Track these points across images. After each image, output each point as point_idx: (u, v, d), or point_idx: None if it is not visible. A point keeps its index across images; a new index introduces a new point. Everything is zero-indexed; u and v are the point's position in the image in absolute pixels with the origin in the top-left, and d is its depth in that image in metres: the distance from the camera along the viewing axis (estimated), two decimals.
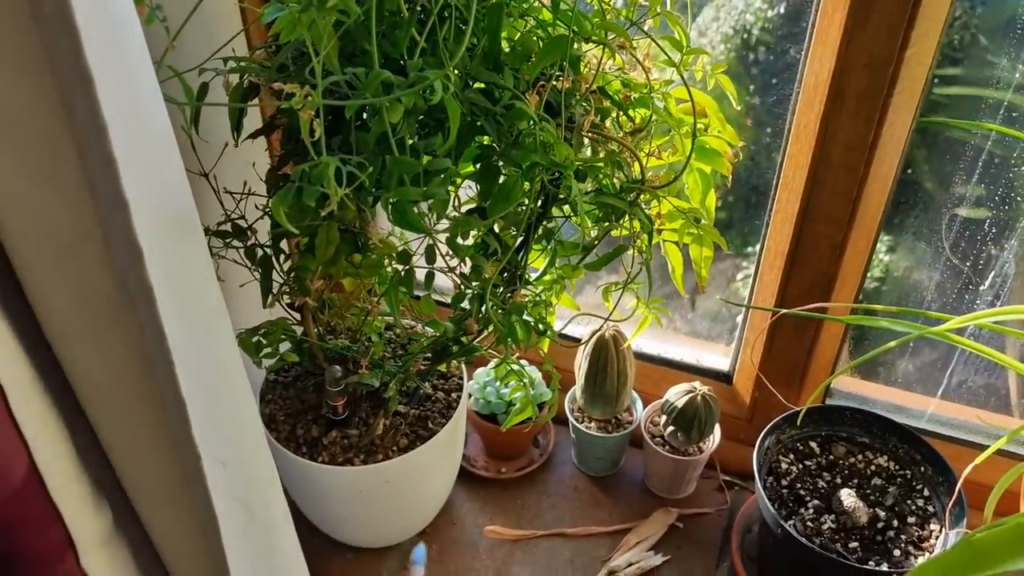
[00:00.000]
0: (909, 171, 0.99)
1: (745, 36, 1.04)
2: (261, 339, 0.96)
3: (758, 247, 1.07)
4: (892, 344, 0.76)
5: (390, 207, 0.70)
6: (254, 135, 0.87)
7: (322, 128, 0.61)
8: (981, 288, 1.03)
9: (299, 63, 0.78)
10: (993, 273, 1.01)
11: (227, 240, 0.90)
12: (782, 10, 0.99)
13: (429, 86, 0.63)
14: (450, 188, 0.80)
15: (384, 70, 0.64)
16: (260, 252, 0.90)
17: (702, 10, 1.08)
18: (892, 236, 1.08)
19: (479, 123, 0.76)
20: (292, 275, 0.91)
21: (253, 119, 0.93)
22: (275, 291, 0.93)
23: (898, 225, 1.06)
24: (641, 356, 1.25)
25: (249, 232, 0.90)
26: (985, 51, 0.92)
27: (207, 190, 0.91)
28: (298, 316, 0.98)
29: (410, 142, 0.72)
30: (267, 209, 0.91)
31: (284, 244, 0.92)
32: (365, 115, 0.76)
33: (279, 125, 0.87)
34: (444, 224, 0.79)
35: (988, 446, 1.07)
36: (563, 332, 1.26)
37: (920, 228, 1.04)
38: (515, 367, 0.95)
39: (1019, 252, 0.98)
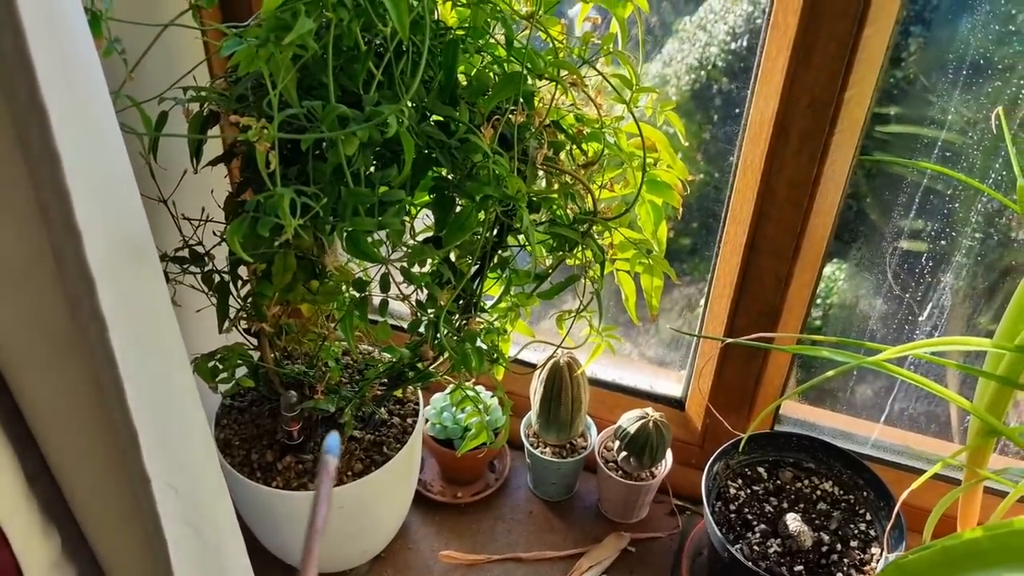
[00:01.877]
0: (854, 205, 1.03)
1: (709, 68, 1.07)
2: (218, 364, 0.97)
3: (709, 277, 1.09)
4: (830, 373, 0.79)
5: (345, 237, 0.71)
6: (213, 162, 0.88)
7: (277, 160, 0.63)
8: (920, 319, 1.06)
9: (258, 93, 0.79)
10: (931, 304, 1.05)
11: (184, 266, 0.91)
12: (744, 43, 1.03)
13: (384, 121, 0.65)
14: (405, 218, 0.82)
15: (340, 104, 0.66)
16: (217, 278, 0.91)
17: (667, 41, 1.10)
18: (840, 266, 1.12)
19: (434, 155, 0.78)
20: (249, 301, 0.92)
21: (214, 146, 0.94)
22: (232, 316, 0.93)
23: (845, 256, 1.10)
24: (596, 382, 1.27)
25: (206, 258, 0.91)
26: (924, 91, 0.96)
27: (166, 216, 0.92)
28: (255, 341, 0.98)
29: (367, 173, 0.74)
30: (224, 235, 0.92)
31: (242, 270, 0.93)
32: (324, 146, 0.78)
33: (239, 152, 0.88)
34: (402, 252, 0.81)
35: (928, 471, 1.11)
36: (518, 358, 1.28)
37: (864, 259, 1.08)
38: (470, 393, 0.97)
39: (955, 285, 1.02)
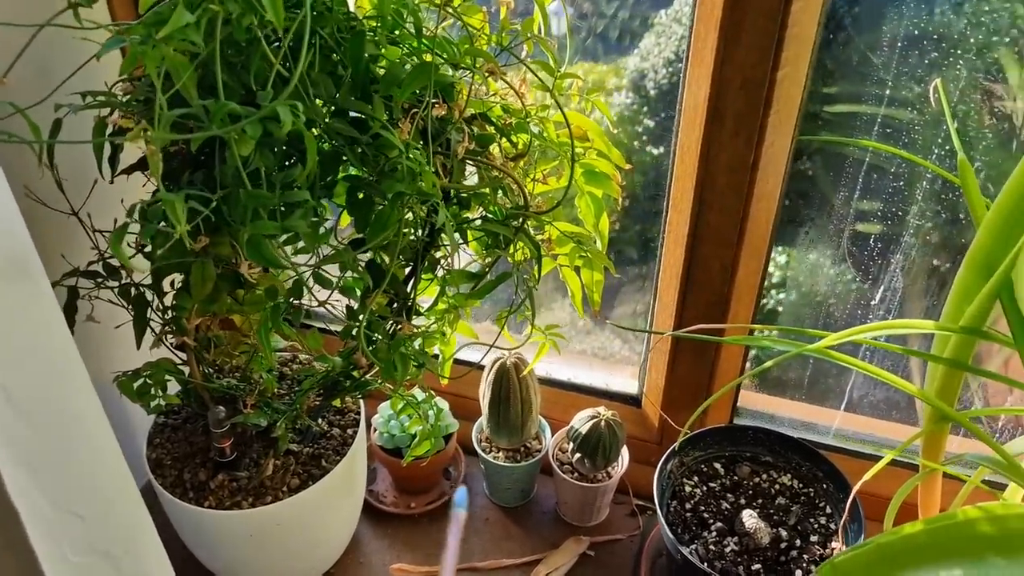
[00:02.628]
0: (799, 188, 1.00)
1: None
2: (146, 380, 0.93)
3: (655, 268, 1.06)
4: (768, 364, 0.76)
5: (245, 241, 0.68)
6: (128, 170, 0.84)
7: (160, 163, 0.59)
8: (873, 303, 1.04)
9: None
10: (883, 288, 1.02)
11: (99, 281, 0.87)
12: None
13: (275, 116, 0.62)
14: (315, 219, 0.78)
15: (229, 102, 0.62)
16: (134, 291, 0.87)
17: (644, 36, 1.08)
18: (791, 251, 1.09)
19: (345, 153, 0.75)
20: (171, 314, 0.88)
21: (132, 152, 0.90)
22: (157, 331, 0.89)
23: (794, 240, 1.07)
24: (550, 382, 1.24)
25: (123, 271, 0.87)
26: (861, 66, 0.93)
27: (79, 230, 0.88)
28: (184, 355, 0.94)
29: (270, 173, 0.70)
30: (143, 246, 0.88)
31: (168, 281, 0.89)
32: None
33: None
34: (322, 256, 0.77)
35: (893, 459, 1.08)
36: (468, 360, 1.24)
37: (814, 243, 1.05)
38: (412, 399, 0.93)
39: (906, 266, 0.99)
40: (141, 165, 0.86)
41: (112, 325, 0.90)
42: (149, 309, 0.88)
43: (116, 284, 0.87)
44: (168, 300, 0.89)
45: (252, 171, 0.67)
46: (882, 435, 1.14)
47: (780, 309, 1.15)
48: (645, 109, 1.11)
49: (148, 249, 0.82)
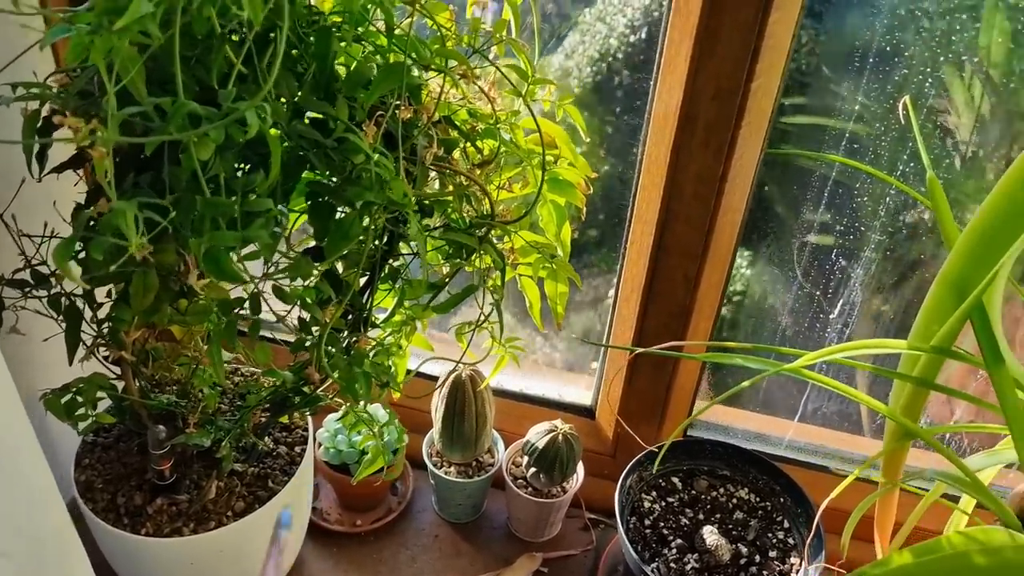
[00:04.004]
0: (763, 199, 0.99)
1: (610, 60, 1.02)
2: (77, 397, 0.85)
3: (615, 281, 1.04)
4: (746, 384, 0.74)
5: (203, 254, 0.62)
6: (58, 169, 0.77)
7: (112, 168, 0.53)
8: (831, 316, 1.04)
9: (104, 89, 0.69)
10: (842, 301, 1.02)
11: (26, 290, 0.79)
12: (643, 35, 0.98)
13: (241, 118, 0.56)
14: (277, 229, 0.73)
15: (190, 101, 0.56)
16: (66, 302, 0.79)
17: (568, 32, 1.05)
18: (752, 263, 1.09)
19: (308, 157, 0.69)
20: (107, 326, 0.81)
21: (64, 148, 0.83)
22: (90, 343, 0.82)
23: (755, 252, 1.06)
24: (503, 393, 1.21)
25: (53, 279, 0.80)
26: (829, 81, 0.93)
27: (2, 233, 0.80)
28: (118, 370, 0.87)
29: (230, 179, 0.64)
30: (77, 252, 0.81)
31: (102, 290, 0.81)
32: (180, 149, 0.68)
33: (89, 157, 0.77)
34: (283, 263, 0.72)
35: (844, 470, 1.08)
36: (419, 371, 1.20)
37: (775, 255, 1.05)
38: (367, 416, 0.88)
39: (864, 281, 0.99)
40: (75, 163, 0.79)
41: (38, 338, 0.83)
42: (82, 321, 0.80)
43: (45, 294, 0.79)
44: (103, 311, 0.82)
45: (210, 177, 0.62)
46: (833, 446, 1.15)
47: (730, 316, 1.14)
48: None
49: (83, 255, 0.75)
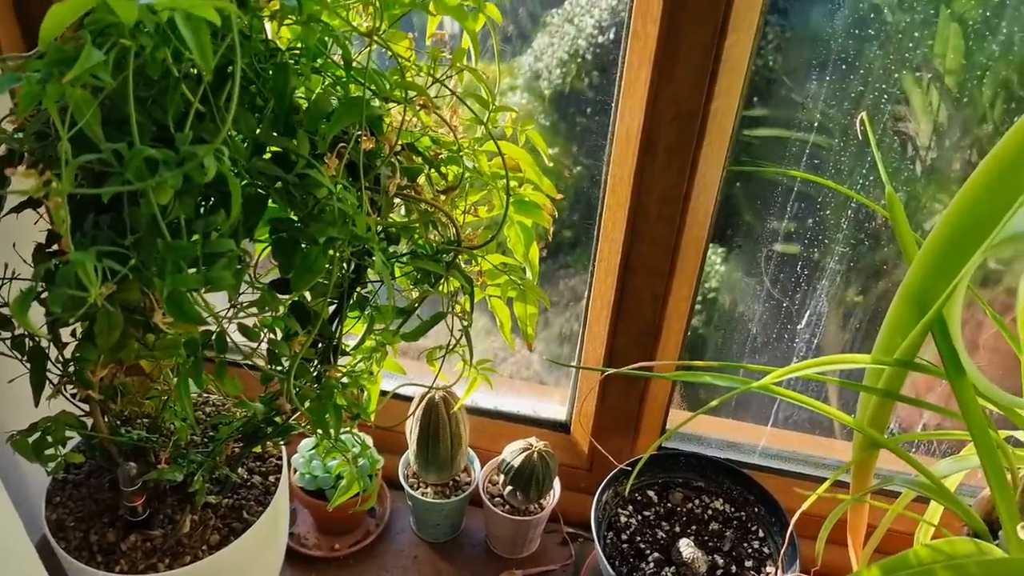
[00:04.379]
0: (726, 213, 1.00)
1: (579, 61, 1.03)
2: (46, 437, 0.85)
3: (584, 300, 1.04)
4: (714, 403, 0.75)
5: (165, 298, 0.62)
6: (17, 209, 0.76)
7: (68, 220, 0.53)
8: (799, 326, 1.05)
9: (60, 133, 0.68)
10: (809, 312, 1.03)
11: None
12: (611, 36, 0.99)
13: (199, 163, 0.56)
14: (242, 267, 0.72)
15: (146, 147, 0.56)
16: (29, 343, 0.79)
17: (536, 34, 1.06)
18: (719, 277, 1.09)
19: (269, 195, 0.69)
20: (72, 366, 0.81)
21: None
22: (56, 382, 0.82)
23: (724, 263, 1.07)
24: (477, 411, 1.21)
25: (15, 321, 0.79)
26: (790, 93, 0.94)
27: None
28: (86, 408, 0.86)
29: (190, 220, 0.64)
30: (39, 293, 0.80)
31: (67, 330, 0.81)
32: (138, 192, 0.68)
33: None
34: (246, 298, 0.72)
35: (817, 476, 1.09)
36: (396, 393, 1.20)
37: (741, 267, 1.06)
38: (341, 444, 0.88)
39: (830, 291, 1.01)
40: (33, 203, 0.78)
41: (5, 378, 0.82)
42: (48, 361, 0.80)
43: (8, 335, 0.79)
44: (69, 351, 0.81)
45: (170, 220, 0.62)
46: (806, 451, 1.16)
47: (702, 331, 1.15)
48: (541, 110, 1.10)
49: (44, 295, 0.75)
